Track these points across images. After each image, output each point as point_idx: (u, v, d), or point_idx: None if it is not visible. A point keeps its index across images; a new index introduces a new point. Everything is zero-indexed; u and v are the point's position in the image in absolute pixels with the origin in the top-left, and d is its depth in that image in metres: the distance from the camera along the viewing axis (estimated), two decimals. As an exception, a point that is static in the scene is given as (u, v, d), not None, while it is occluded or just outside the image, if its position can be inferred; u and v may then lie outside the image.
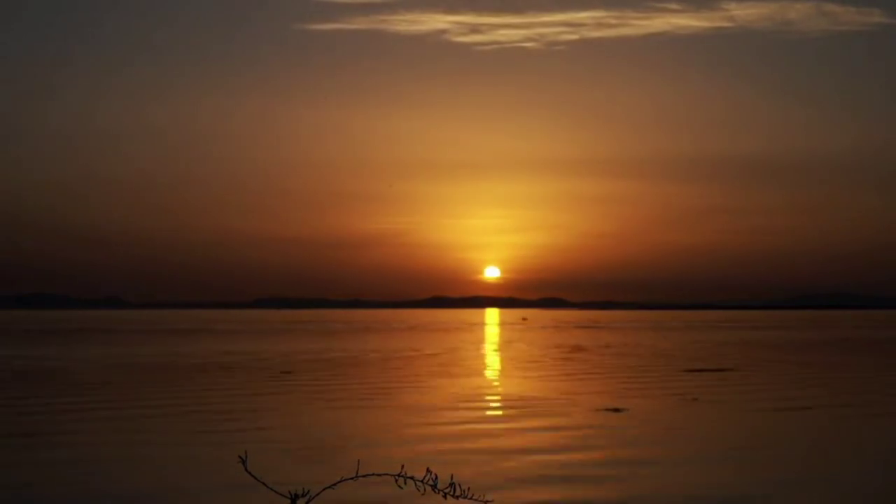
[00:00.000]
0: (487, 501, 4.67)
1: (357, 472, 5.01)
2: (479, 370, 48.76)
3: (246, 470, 4.65)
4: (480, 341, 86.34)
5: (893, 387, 36.61)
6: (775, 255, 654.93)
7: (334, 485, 4.93)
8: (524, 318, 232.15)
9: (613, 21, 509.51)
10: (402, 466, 4.68)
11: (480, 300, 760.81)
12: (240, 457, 4.64)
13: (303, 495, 4.62)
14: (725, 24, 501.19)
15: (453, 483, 4.55)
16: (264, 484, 4.96)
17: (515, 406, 30.82)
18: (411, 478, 4.60)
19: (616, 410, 28.72)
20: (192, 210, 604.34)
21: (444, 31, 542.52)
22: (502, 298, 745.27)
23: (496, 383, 40.77)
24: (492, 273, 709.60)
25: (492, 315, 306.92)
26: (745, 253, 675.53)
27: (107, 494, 16.60)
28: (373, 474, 5.08)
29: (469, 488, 4.66)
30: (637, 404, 30.79)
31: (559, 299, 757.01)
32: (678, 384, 38.63)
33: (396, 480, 4.64)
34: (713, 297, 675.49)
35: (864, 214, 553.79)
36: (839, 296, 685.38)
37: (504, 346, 77.64)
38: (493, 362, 55.86)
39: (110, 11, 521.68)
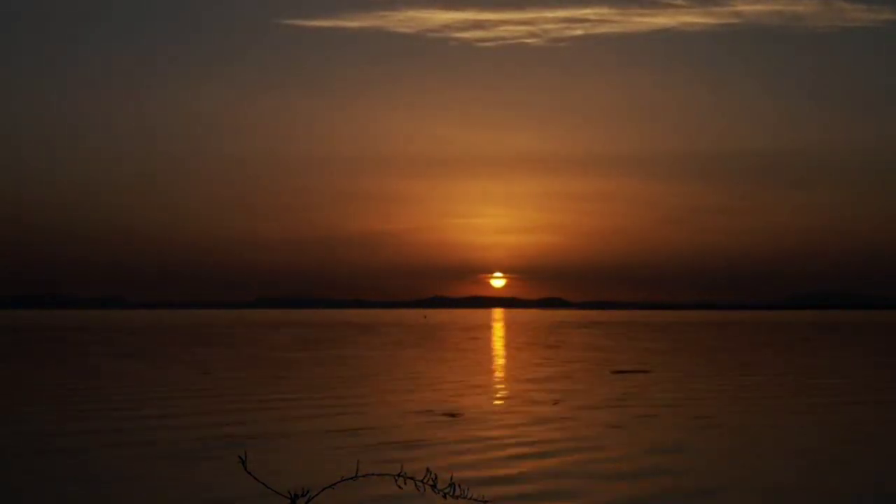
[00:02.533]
0: (487, 501, 4.68)
1: (357, 472, 5.01)
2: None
3: (245, 470, 4.66)
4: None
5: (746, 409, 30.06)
6: (780, 254, 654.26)
7: (334, 485, 4.94)
8: (425, 316, 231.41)
9: (618, 17, 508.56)
10: (402, 466, 4.68)
11: (481, 300, 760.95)
12: (239, 457, 4.64)
13: (302, 495, 4.62)
14: (733, 20, 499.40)
15: (453, 483, 4.56)
16: (264, 484, 4.97)
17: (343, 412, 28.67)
18: (411, 478, 4.60)
19: (451, 415, 26.89)
20: (192, 210, 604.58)
21: (445, 28, 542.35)
22: (503, 298, 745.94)
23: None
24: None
25: (478, 314, 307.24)
26: (750, 252, 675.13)
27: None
28: (373, 474, 5.09)
29: (469, 488, 4.67)
30: (482, 406, 29.31)
31: (559, 299, 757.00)
32: (577, 386, 37.40)
33: (396, 480, 4.64)
34: (717, 297, 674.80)
35: (884, 213, 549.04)
36: (848, 296, 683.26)
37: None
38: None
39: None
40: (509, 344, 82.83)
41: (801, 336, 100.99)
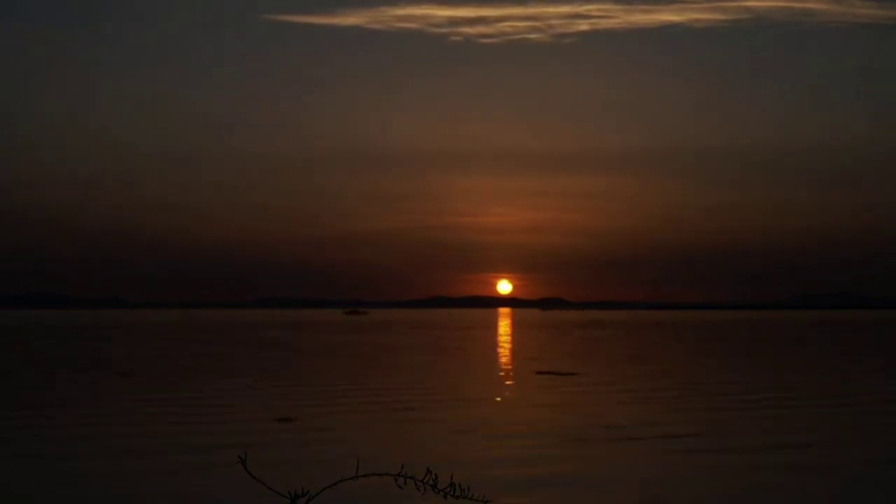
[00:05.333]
0: (487, 501, 4.65)
1: (357, 472, 4.99)
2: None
3: (245, 470, 4.63)
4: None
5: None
6: (787, 253, 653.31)
7: (334, 485, 4.92)
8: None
9: (624, 13, 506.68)
10: (402, 466, 4.66)
11: (482, 300, 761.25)
12: (239, 456, 4.62)
13: (302, 495, 4.59)
14: (742, 15, 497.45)
15: (453, 483, 4.53)
16: (264, 483, 4.94)
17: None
18: (411, 478, 4.58)
19: (285, 420, 25.93)
20: (193, 209, 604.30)
21: (446, 23, 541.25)
22: (503, 298, 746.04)
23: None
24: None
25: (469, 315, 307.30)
26: (755, 251, 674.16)
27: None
28: (373, 474, 5.06)
29: (469, 488, 4.64)
30: (322, 411, 28.49)
31: (560, 299, 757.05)
32: (472, 387, 36.60)
33: (396, 480, 4.62)
34: (719, 297, 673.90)
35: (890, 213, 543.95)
36: (849, 296, 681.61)
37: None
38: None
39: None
40: (456, 342, 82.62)
41: (773, 336, 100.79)
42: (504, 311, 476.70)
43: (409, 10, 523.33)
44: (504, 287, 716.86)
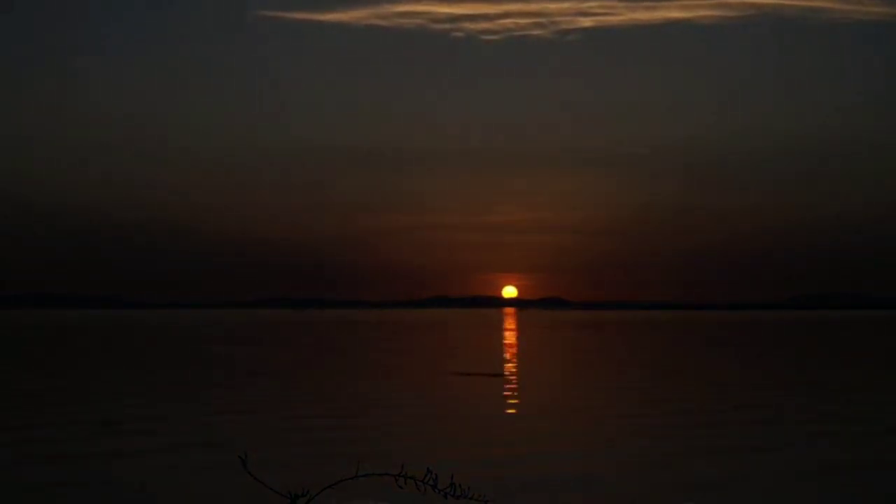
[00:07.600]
0: (487, 501, 4.67)
1: (357, 472, 5.00)
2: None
3: (246, 470, 4.65)
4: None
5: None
6: (787, 253, 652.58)
7: (334, 485, 4.93)
8: None
9: (627, 10, 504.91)
10: (402, 466, 4.67)
11: (481, 300, 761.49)
12: (240, 456, 4.63)
13: (303, 495, 4.61)
14: (749, 11, 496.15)
15: (453, 483, 4.54)
16: (264, 484, 4.96)
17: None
18: (411, 478, 4.59)
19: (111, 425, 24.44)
20: (192, 209, 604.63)
21: (448, 20, 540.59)
22: (503, 298, 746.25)
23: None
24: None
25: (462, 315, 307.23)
26: (759, 251, 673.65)
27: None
28: (373, 474, 5.07)
29: (469, 488, 4.65)
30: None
31: (560, 299, 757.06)
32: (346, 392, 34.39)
33: (396, 480, 4.63)
34: (720, 297, 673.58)
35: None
36: (848, 296, 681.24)
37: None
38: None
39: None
40: (411, 342, 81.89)
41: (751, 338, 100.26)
42: (509, 311, 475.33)
43: (410, 6, 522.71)
44: (504, 287, 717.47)
